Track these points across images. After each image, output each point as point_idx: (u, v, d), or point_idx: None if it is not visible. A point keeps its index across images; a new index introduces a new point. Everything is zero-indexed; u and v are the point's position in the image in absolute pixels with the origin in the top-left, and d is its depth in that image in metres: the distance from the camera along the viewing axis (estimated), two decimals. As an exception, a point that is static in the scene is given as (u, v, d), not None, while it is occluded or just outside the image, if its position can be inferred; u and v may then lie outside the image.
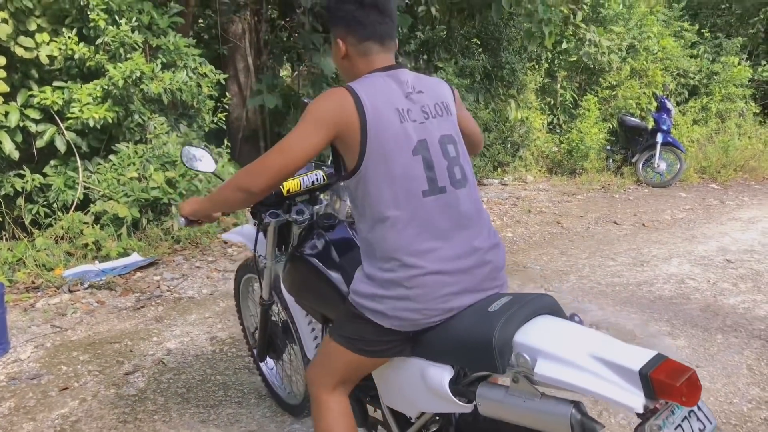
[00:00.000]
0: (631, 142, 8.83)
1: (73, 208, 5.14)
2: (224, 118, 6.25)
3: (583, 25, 9.44)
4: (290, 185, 2.08)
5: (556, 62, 9.89)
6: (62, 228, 4.94)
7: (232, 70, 7.60)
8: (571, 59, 9.72)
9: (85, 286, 4.38)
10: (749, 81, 10.94)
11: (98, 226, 5.07)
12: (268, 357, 2.72)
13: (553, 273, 4.78)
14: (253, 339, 2.83)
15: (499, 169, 8.86)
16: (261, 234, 2.23)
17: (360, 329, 1.65)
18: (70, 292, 4.32)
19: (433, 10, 8.10)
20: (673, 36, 10.91)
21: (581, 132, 8.89)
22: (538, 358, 1.35)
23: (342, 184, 1.65)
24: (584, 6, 9.51)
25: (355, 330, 1.67)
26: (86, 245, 4.89)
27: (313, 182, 2.13)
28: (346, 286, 1.83)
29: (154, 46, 5.59)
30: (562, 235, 5.88)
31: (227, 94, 6.52)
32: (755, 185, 8.48)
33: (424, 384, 1.61)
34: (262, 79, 7.30)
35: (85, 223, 5.03)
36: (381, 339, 1.64)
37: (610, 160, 9.08)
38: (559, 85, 9.89)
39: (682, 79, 10.72)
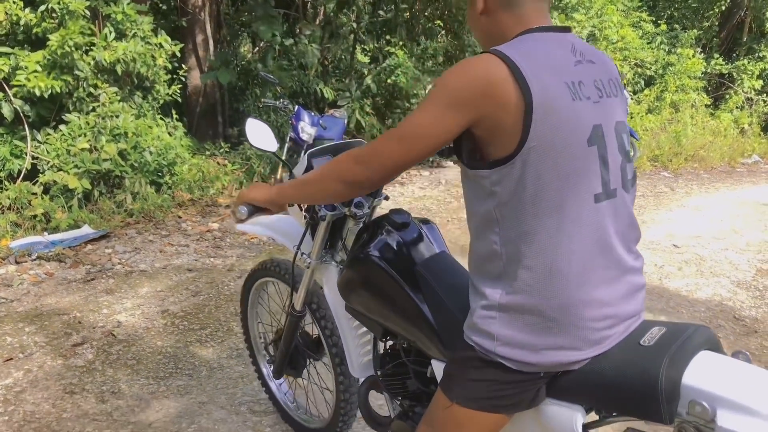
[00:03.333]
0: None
1: (20, 178, 4.99)
2: (179, 91, 6.11)
3: (545, 12, 9.53)
4: None
5: (517, 47, 9.97)
6: (9, 198, 4.78)
7: (191, 43, 7.44)
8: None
9: (33, 257, 4.27)
10: (702, 73, 11.23)
11: (47, 197, 4.93)
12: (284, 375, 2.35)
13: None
14: (264, 354, 2.52)
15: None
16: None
17: (495, 382, 1.28)
18: (17, 263, 4.20)
19: (396, -11, 8.07)
20: (632, 26, 11.11)
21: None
22: (717, 406, 1.11)
23: (469, 172, 1.26)
24: (547, -8, 9.60)
25: (490, 384, 1.29)
26: (35, 216, 4.76)
27: None
28: (424, 299, 1.55)
29: (103, 14, 5.42)
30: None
31: (183, 66, 6.38)
32: (704, 174, 8.75)
33: (540, 427, 1.36)
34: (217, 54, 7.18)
35: (34, 193, 4.88)
36: (521, 387, 1.28)
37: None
38: (520, 71, 9.98)
39: (639, 69, 10.94)
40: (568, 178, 1.17)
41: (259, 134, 1.92)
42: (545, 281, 1.20)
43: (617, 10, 10.61)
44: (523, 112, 1.13)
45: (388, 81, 7.64)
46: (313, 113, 5.83)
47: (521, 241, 1.20)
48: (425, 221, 1.80)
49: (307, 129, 5.52)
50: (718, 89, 12.13)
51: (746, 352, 1.26)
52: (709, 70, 11.59)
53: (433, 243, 1.72)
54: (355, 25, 8.05)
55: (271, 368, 2.38)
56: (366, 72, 7.99)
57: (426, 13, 8.96)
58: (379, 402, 2.00)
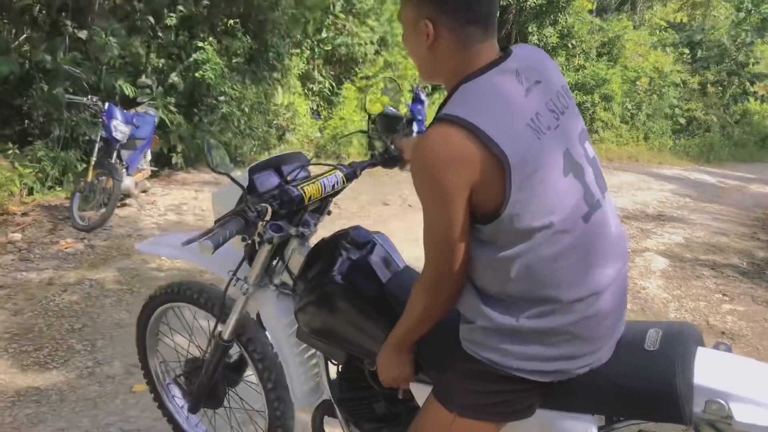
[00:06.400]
0: (390, 130, 9.50)
1: None
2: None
3: (342, 16, 9.84)
4: (312, 191, 1.62)
5: (315, 50, 10.16)
6: None
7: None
8: (327, 48, 10.05)
9: None
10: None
11: None
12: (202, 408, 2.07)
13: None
14: (166, 390, 2.25)
15: (266, 152, 8.87)
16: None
17: (499, 391, 1.30)
18: None
19: (195, -16, 7.76)
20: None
21: (344, 119, 9.29)
22: (729, 402, 1.19)
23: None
24: (342, -3, 9.92)
25: (495, 394, 1.30)
26: None
27: (333, 186, 1.70)
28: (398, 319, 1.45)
29: None
30: (341, 216, 6.12)
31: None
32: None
33: None
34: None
35: None
36: (523, 395, 1.31)
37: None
38: (317, 72, 10.18)
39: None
40: (555, 213, 1.19)
41: (218, 156, 1.66)
42: (554, 307, 1.23)
43: (407, 18, 11.33)
44: (503, 178, 1.15)
45: (196, 75, 7.39)
46: (125, 111, 5.42)
47: (525, 276, 1.22)
48: (376, 234, 1.74)
49: (120, 128, 5.13)
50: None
51: (727, 343, 1.36)
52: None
53: (395, 258, 1.68)
54: (152, 20, 7.58)
55: (181, 404, 2.17)
56: (168, 68, 7.58)
57: (223, 11, 8.71)
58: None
